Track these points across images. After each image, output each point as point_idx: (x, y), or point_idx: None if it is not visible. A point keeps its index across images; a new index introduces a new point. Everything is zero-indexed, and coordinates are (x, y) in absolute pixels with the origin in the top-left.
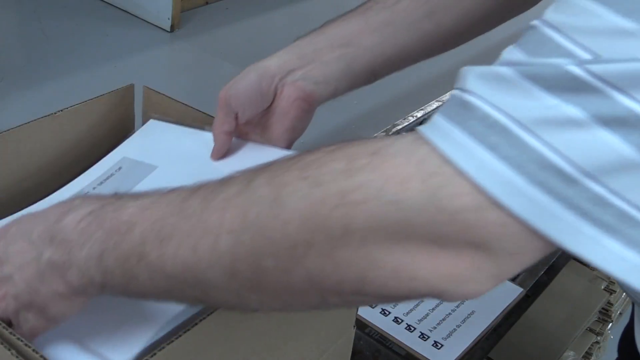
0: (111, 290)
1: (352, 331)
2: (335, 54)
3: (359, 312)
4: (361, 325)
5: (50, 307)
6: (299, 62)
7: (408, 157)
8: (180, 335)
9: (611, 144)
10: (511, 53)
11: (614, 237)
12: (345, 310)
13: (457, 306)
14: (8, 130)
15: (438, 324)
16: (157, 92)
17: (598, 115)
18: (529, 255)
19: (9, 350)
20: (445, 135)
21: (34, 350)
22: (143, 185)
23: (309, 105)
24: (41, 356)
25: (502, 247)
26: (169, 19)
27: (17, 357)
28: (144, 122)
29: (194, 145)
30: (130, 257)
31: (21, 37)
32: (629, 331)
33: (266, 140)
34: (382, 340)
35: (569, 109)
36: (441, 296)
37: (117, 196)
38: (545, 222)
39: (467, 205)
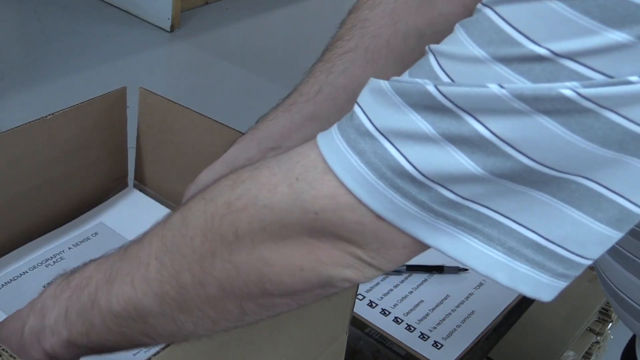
0: (76, 345)
1: (344, 337)
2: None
3: (359, 313)
4: (361, 325)
5: None
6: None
7: (281, 165)
8: (168, 345)
9: (458, 159)
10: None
11: (472, 235)
12: (337, 316)
13: (457, 306)
14: (0, 133)
15: (438, 324)
16: (153, 93)
17: (447, 133)
18: (400, 250)
19: None
20: (330, 141)
21: None
22: None
23: None
24: None
25: (366, 242)
26: (169, 19)
27: None
28: (140, 124)
29: None
30: (86, 305)
31: (21, 37)
32: (630, 345)
33: None
34: (382, 340)
35: (424, 124)
36: (331, 282)
37: (65, 276)
38: (405, 221)
39: (327, 206)
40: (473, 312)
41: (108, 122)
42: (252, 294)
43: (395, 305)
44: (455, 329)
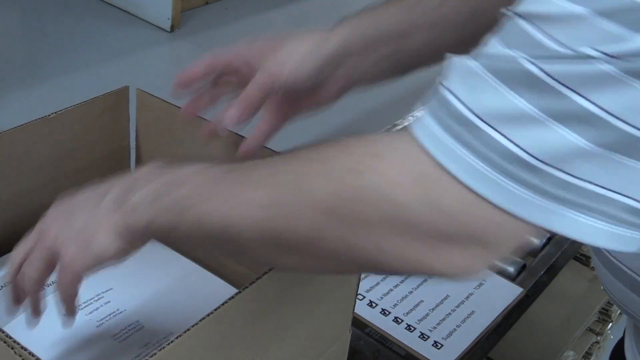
0: (153, 233)
1: (347, 335)
2: (387, 49)
3: (359, 312)
4: (361, 325)
5: (95, 241)
6: (356, 48)
7: (403, 159)
8: (172, 341)
9: (567, 137)
10: (489, 44)
11: (583, 212)
12: (340, 315)
13: (457, 306)
14: (1, 133)
15: (438, 324)
16: (150, 94)
17: (552, 111)
18: (515, 240)
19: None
20: (431, 135)
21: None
22: (109, 271)
23: (347, 92)
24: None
25: (493, 237)
26: (169, 19)
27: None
28: (138, 125)
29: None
30: (175, 207)
31: (21, 36)
32: (620, 345)
33: (287, 108)
34: (382, 340)
35: (526, 105)
36: (442, 277)
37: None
38: (524, 208)
39: (455, 203)
40: (473, 312)
41: (111, 121)
42: (357, 266)
43: (395, 305)
44: (455, 329)
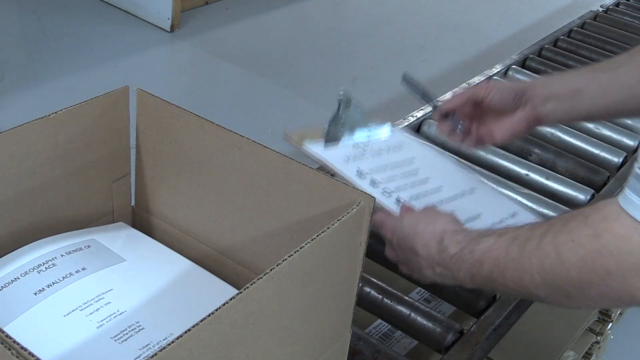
0: None
1: (347, 335)
2: (569, 96)
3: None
4: (361, 325)
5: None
6: (544, 91)
7: (624, 223)
8: (173, 342)
9: None
10: None
11: None
12: (341, 315)
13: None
14: (1, 132)
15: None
16: (150, 94)
17: None
18: None
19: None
20: (638, 208)
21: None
22: (108, 273)
23: (534, 125)
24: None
25: None
26: (169, 19)
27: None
28: (138, 125)
29: (161, 259)
30: (487, 280)
31: (21, 37)
32: None
33: (483, 131)
34: (383, 339)
35: None
36: None
37: (468, 239)
38: None
39: None
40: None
41: (111, 121)
42: (618, 304)
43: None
44: None
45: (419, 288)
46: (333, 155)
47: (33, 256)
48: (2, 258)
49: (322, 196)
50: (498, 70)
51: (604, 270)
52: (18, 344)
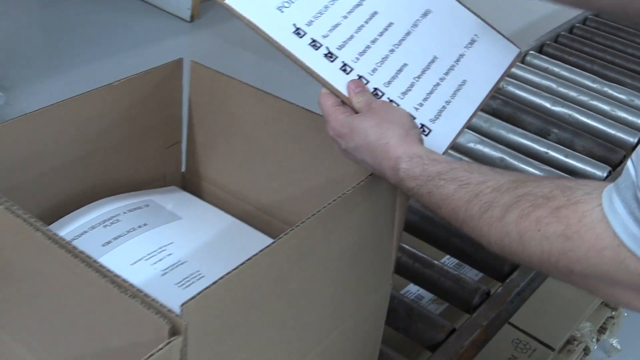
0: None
1: (389, 286)
2: None
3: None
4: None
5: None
6: None
7: (601, 232)
8: (233, 270)
9: None
10: None
11: None
12: (382, 265)
13: (446, 73)
14: (68, 99)
15: (425, 99)
16: (203, 66)
17: None
18: None
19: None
20: (622, 223)
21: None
22: (167, 229)
23: None
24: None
25: None
26: (188, 9)
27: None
28: (191, 95)
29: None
30: (444, 219)
31: (44, 26)
32: None
33: None
34: (417, 299)
35: None
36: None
37: (425, 177)
38: None
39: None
40: (464, 82)
41: (165, 91)
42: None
43: (374, 71)
44: (444, 107)
45: (448, 256)
46: (261, 7)
47: (98, 213)
48: (70, 214)
49: None
50: None
51: (567, 269)
52: (111, 272)
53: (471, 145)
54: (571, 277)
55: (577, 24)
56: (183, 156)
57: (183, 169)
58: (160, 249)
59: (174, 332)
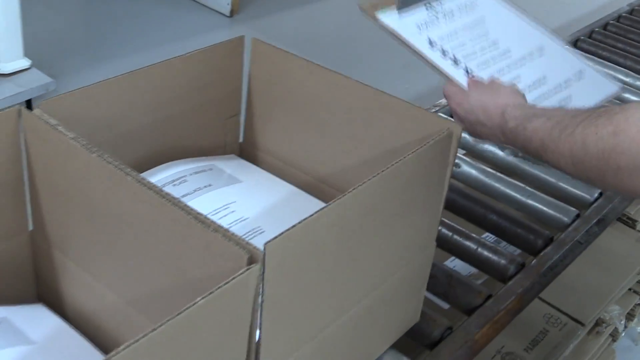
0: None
1: (433, 246)
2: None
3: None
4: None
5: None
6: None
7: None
8: (301, 222)
9: None
10: None
11: None
12: (430, 225)
13: (553, 92)
14: (143, 67)
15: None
16: (264, 42)
17: None
18: None
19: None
20: None
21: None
22: (230, 189)
23: None
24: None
25: None
26: (228, 4)
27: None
28: (251, 70)
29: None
30: (535, 154)
31: (89, 18)
32: None
33: None
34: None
35: None
36: None
37: (524, 116)
38: None
39: None
40: (570, 96)
41: (227, 65)
42: (631, 195)
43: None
44: None
45: (487, 234)
46: (405, 25)
47: (168, 173)
48: (142, 174)
49: (414, 126)
50: None
51: (616, 165)
52: (195, 210)
53: None
54: (620, 175)
55: (611, 21)
56: (241, 128)
57: (241, 139)
58: (224, 206)
59: (251, 261)
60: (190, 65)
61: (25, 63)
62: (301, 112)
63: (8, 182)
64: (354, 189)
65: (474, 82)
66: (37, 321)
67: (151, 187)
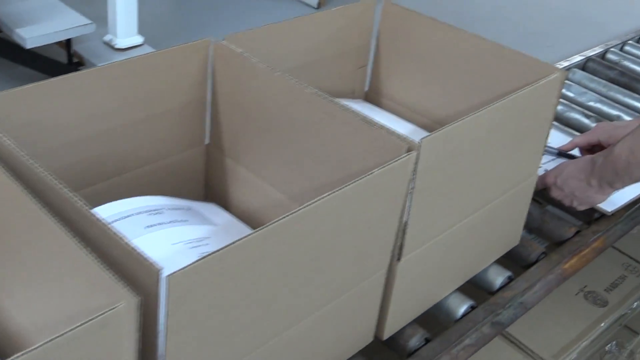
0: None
1: (536, 174)
2: None
3: None
4: None
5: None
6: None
7: None
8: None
9: None
10: None
11: None
12: (534, 154)
13: None
14: (283, 21)
15: None
16: (395, 4)
17: None
18: None
19: None
20: None
21: None
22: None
23: None
24: None
25: None
26: None
27: None
28: (380, 28)
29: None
30: (626, 168)
31: (193, 4)
32: None
33: None
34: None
35: None
36: None
37: (609, 150)
38: None
39: None
40: None
41: (360, 23)
42: None
43: None
44: None
45: None
46: None
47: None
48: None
49: (524, 72)
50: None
51: None
52: (361, 113)
53: (591, 103)
54: None
55: None
56: (368, 77)
57: (366, 88)
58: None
59: (409, 150)
60: (328, 19)
61: (139, 39)
62: (422, 63)
63: (193, 102)
64: (487, 107)
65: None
66: (215, 212)
67: (324, 96)
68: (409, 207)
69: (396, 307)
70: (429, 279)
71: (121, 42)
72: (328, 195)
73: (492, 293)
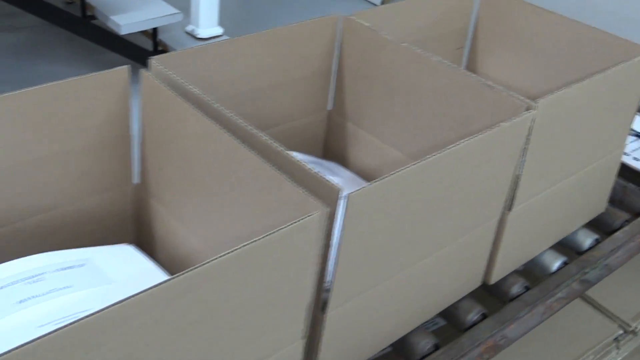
0: None
1: (623, 146)
2: None
3: None
4: None
5: None
6: None
7: None
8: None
9: None
10: None
11: None
12: (622, 127)
13: None
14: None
15: None
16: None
17: None
18: None
19: None
20: None
21: None
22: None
23: None
24: None
25: None
26: None
27: None
28: (479, 15)
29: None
30: None
31: (248, 1)
32: None
33: None
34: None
35: None
36: None
37: None
38: None
39: None
40: None
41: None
42: None
43: None
44: None
45: None
46: None
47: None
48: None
49: None
50: None
51: None
52: (477, 75)
53: None
54: None
55: None
56: (465, 58)
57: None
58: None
59: (527, 109)
60: (435, 3)
61: (219, 30)
62: (518, 45)
63: (320, 71)
64: (589, 78)
65: None
66: (338, 169)
67: (449, 64)
68: (522, 162)
69: (504, 254)
70: (533, 231)
71: (203, 32)
72: (454, 146)
73: (580, 253)
